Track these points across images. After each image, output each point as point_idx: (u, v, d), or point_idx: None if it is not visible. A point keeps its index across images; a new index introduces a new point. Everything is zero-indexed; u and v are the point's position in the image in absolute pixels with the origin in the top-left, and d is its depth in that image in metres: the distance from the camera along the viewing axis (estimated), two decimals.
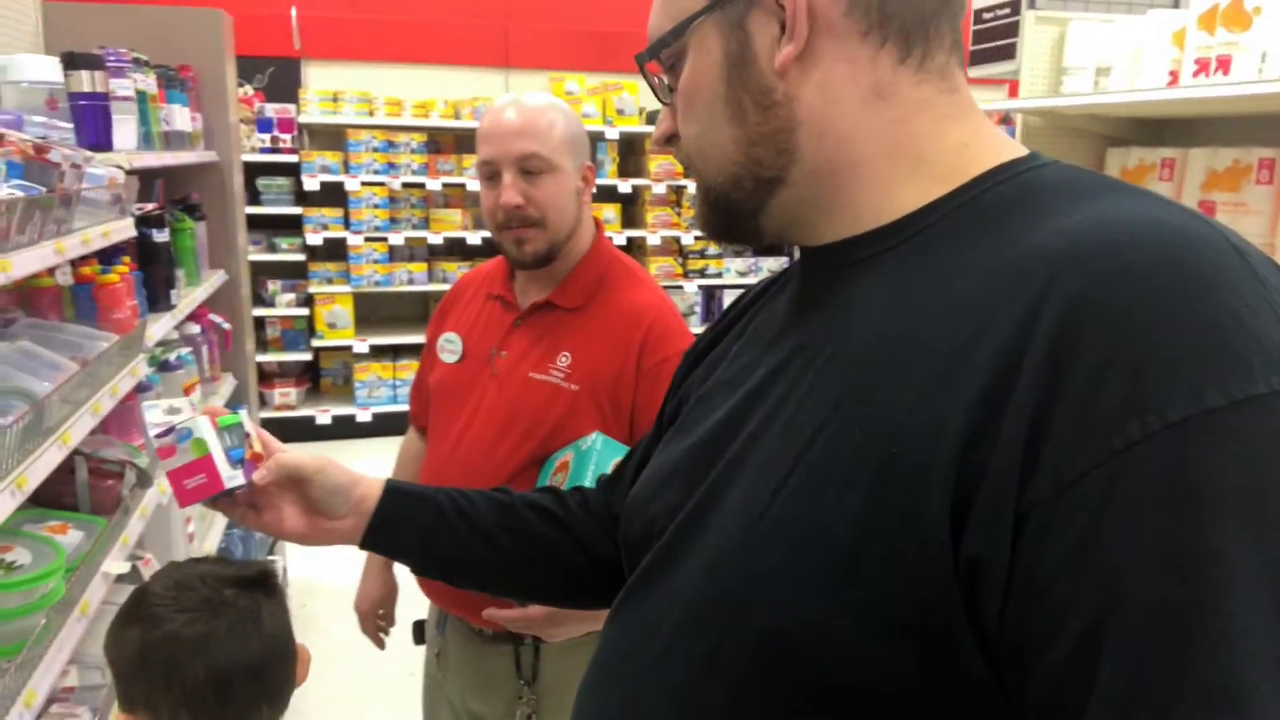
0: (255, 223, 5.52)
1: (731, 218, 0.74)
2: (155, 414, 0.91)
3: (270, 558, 3.59)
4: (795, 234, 0.73)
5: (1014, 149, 0.68)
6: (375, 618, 1.79)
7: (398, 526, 0.98)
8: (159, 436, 0.89)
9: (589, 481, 1.31)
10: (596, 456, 1.37)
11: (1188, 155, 2.94)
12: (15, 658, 1.38)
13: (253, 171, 5.49)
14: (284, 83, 5.86)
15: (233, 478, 0.91)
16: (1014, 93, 3.52)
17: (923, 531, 0.55)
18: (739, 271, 6.34)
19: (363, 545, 0.99)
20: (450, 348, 1.64)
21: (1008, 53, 3.57)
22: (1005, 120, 6.46)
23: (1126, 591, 0.48)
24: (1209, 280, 0.51)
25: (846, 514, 0.58)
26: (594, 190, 1.58)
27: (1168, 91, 2.83)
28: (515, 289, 1.60)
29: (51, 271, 2.07)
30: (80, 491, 1.85)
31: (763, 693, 0.62)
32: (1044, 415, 0.51)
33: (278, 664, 1.07)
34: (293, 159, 5.65)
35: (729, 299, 6.33)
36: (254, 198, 5.58)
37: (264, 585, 1.09)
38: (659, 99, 0.76)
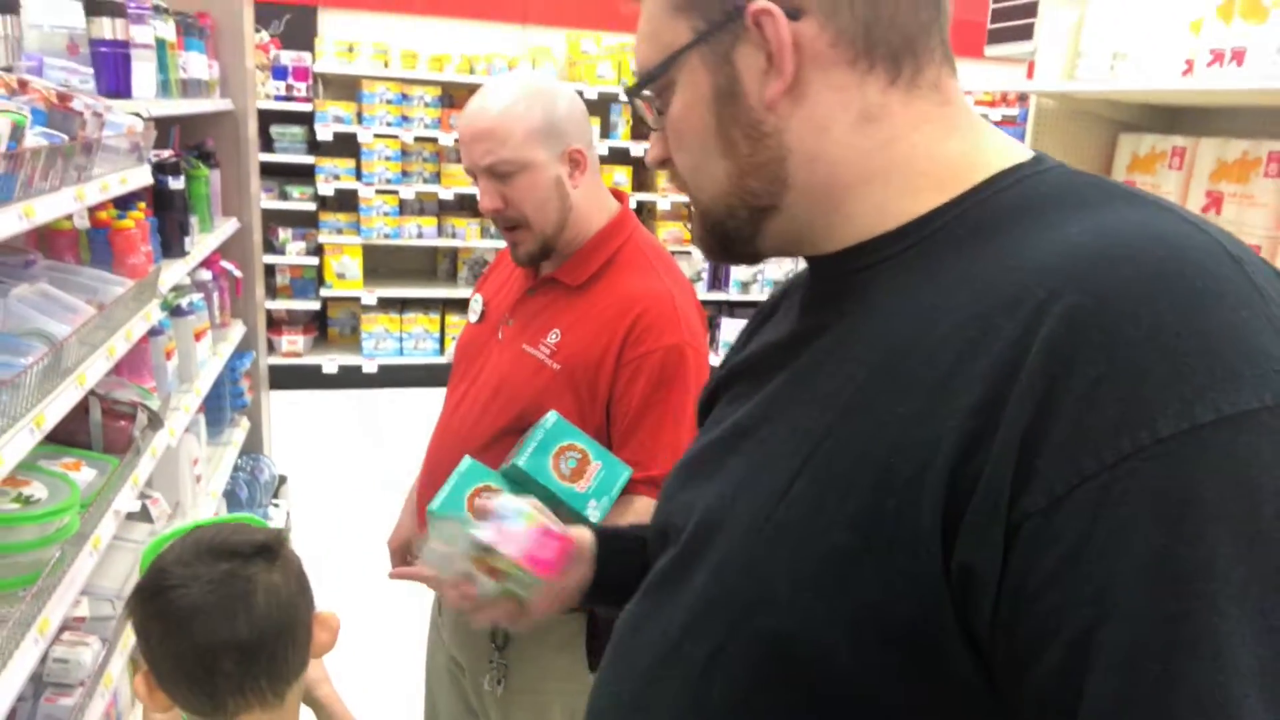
0: (267, 170, 5.53)
1: (729, 242, 0.75)
2: (479, 527, 0.94)
3: (275, 501, 3.67)
4: (794, 250, 0.74)
5: (1016, 153, 0.68)
6: (403, 556, 1.81)
7: (617, 585, 0.94)
8: (486, 528, 0.92)
9: (525, 458, 1.33)
10: (544, 435, 1.36)
11: (1199, 144, 2.95)
12: (31, 587, 1.44)
13: (266, 119, 5.49)
14: (300, 30, 5.84)
15: (565, 532, 0.95)
16: (1032, 74, 3.50)
17: (916, 540, 0.56)
18: None
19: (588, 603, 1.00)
20: (475, 308, 1.67)
21: (1025, 33, 3.55)
22: (1022, 100, 6.43)
23: (1116, 603, 0.49)
24: (1203, 294, 0.52)
25: (845, 521, 0.59)
26: (585, 169, 1.50)
27: (1181, 80, 2.83)
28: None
29: (69, 215, 2.11)
30: (94, 431, 1.91)
31: (760, 694, 0.64)
32: (1038, 428, 0.52)
33: (273, 641, 1.05)
34: (307, 108, 5.65)
35: (736, 267, 6.35)
36: (267, 145, 5.59)
37: (265, 555, 1.07)
38: (650, 125, 0.76)
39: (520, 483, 1.36)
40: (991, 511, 0.53)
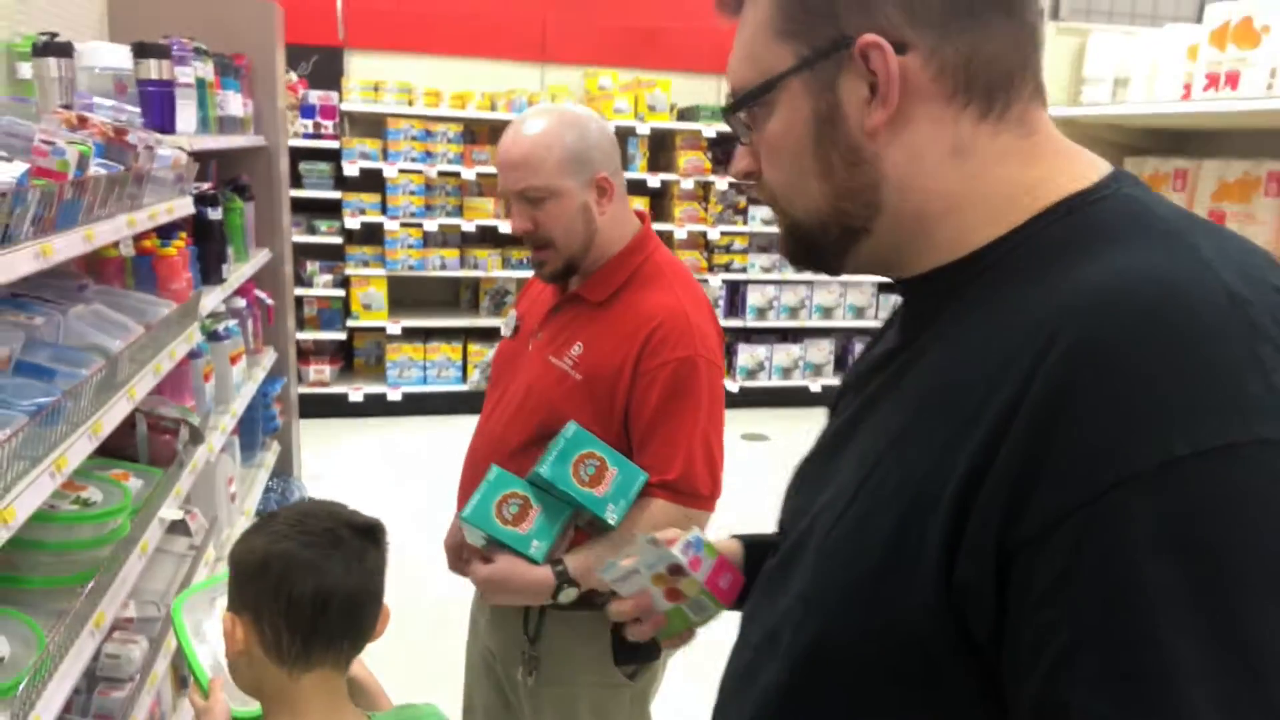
0: (296, 205, 5.68)
1: (816, 253, 0.78)
2: (677, 548, 1.02)
3: None
4: (881, 271, 0.78)
5: (1086, 175, 0.70)
6: (458, 554, 1.87)
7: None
8: (684, 551, 1.01)
9: (548, 466, 1.44)
10: (564, 444, 1.46)
11: (1200, 166, 3.02)
12: (89, 583, 1.55)
13: (295, 156, 5.65)
14: (327, 71, 6.03)
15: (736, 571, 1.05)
16: None
17: (925, 559, 0.61)
18: (763, 267, 6.45)
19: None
20: (509, 323, 1.78)
21: None
22: None
23: (1095, 626, 0.53)
24: (1190, 337, 0.55)
25: (881, 539, 0.65)
26: (612, 195, 1.60)
27: (1180, 104, 2.91)
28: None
29: (116, 244, 2.25)
30: (140, 444, 2.03)
31: (809, 689, 0.71)
32: (1033, 462, 0.56)
33: (369, 604, 1.20)
34: (334, 145, 5.82)
35: (753, 294, 6.45)
36: (295, 181, 5.74)
37: (373, 535, 1.22)
38: (739, 139, 0.79)
39: (544, 489, 1.47)
40: (985, 537, 0.58)
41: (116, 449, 2.03)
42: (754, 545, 1.05)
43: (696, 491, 1.55)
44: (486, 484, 1.47)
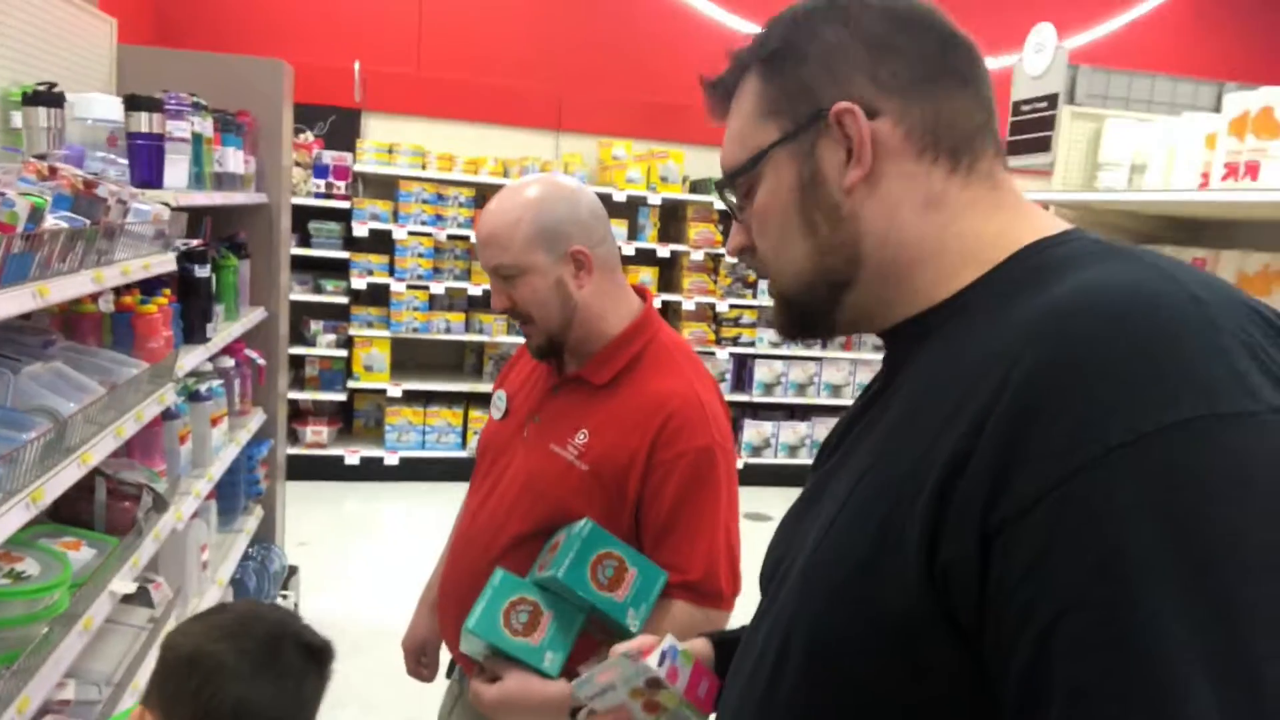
0: (304, 264, 5.68)
1: (808, 319, 0.84)
2: (653, 660, 0.98)
3: (284, 592, 3.64)
4: (865, 325, 0.83)
5: (1047, 228, 0.77)
6: (418, 657, 1.79)
7: None
8: (660, 665, 0.97)
9: (564, 569, 1.31)
10: (580, 544, 1.34)
11: (1219, 257, 2.94)
12: (12, 665, 1.43)
13: (306, 215, 5.66)
14: (343, 132, 6.07)
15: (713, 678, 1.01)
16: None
17: (911, 548, 0.65)
18: (772, 342, 6.37)
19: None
20: (498, 404, 1.67)
21: (1042, 145, 3.61)
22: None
23: (1074, 596, 0.56)
24: (1158, 331, 0.60)
25: (868, 538, 0.69)
26: (591, 268, 1.51)
27: (1198, 193, 2.84)
28: (565, 357, 1.59)
29: (94, 299, 2.18)
30: (97, 511, 1.92)
31: (808, 702, 0.73)
32: (1011, 448, 0.60)
33: None
34: (345, 205, 5.83)
35: (760, 368, 6.36)
36: (305, 240, 5.75)
37: (319, 658, 1.12)
38: (735, 217, 0.86)
39: (556, 593, 1.34)
40: (967, 523, 0.61)
41: (74, 515, 1.92)
42: (724, 644, 1.05)
43: (719, 591, 1.44)
44: (491, 589, 1.34)
